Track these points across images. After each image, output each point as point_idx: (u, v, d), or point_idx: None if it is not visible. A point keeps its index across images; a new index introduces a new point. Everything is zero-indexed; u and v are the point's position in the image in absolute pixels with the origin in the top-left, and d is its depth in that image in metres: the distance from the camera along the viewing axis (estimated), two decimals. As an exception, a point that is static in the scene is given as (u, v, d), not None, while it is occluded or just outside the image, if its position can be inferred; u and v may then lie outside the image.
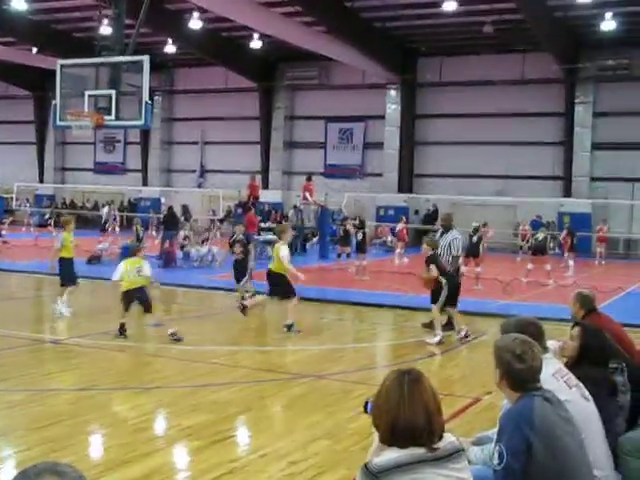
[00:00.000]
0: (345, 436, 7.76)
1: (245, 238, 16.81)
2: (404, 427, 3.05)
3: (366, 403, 3.49)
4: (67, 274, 14.58)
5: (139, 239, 24.20)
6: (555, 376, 4.35)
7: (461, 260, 14.52)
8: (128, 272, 12.49)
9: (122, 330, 12.31)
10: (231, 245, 16.62)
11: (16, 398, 8.93)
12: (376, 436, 3.31)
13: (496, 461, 3.52)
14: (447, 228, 14.52)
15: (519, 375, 3.79)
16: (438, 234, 14.70)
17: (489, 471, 3.81)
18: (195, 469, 6.78)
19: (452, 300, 13.43)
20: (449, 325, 13.77)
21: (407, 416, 3.05)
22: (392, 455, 3.07)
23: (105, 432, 7.98)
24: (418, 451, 3.04)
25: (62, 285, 14.57)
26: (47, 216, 40.82)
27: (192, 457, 7.17)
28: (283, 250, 13.42)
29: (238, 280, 16.16)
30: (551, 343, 5.01)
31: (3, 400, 8.91)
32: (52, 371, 10.39)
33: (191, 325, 14.05)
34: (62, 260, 14.55)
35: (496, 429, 3.95)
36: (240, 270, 16.14)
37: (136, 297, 12.43)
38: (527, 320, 4.80)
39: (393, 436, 3.07)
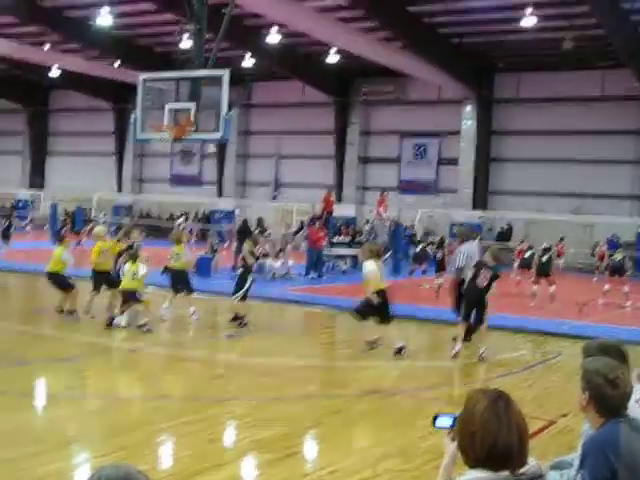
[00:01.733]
0: (417, 454, 7.68)
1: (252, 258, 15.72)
2: (502, 452, 2.99)
3: (435, 418, 3.43)
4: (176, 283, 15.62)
5: (214, 251, 24.46)
6: (639, 402, 4.24)
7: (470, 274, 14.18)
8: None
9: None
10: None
11: (94, 404, 9.11)
12: (448, 454, 3.26)
13: (579, 487, 3.43)
14: (466, 238, 14.90)
15: (610, 401, 3.69)
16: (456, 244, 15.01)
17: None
18: (266, 482, 6.79)
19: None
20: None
21: (505, 441, 2.98)
22: (477, 475, 3.02)
23: (178, 442, 8.06)
24: (503, 474, 2.99)
25: (176, 292, 15.54)
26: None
27: (263, 470, 7.19)
28: (365, 267, 13.24)
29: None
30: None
31: (81, 406, 9.10)
32: (128, 379, 10.54)
33: (263, 338, 14.12)
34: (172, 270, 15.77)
35: (575, 454, 3.86)
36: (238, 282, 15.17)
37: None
38: (611, 344, 4.67)
39: (488, 460, 3.01)
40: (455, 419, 3.24)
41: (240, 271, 15.56)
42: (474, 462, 3.05)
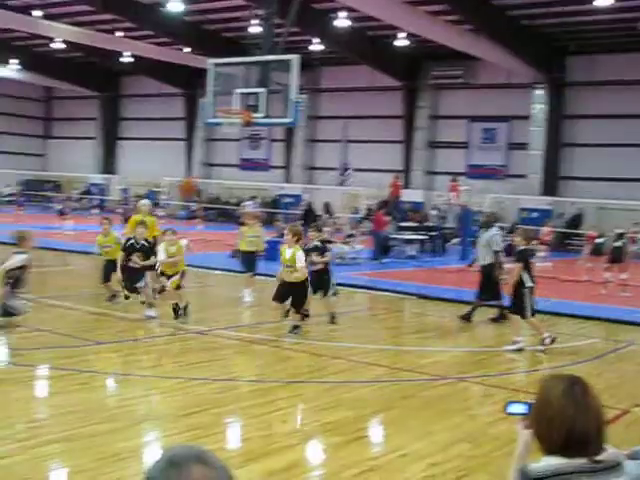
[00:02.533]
0: (486, 440, 7.65)
1: (322, 245, 14.08)
2: (579, 437, 2.97)
3: (507, 404, 3.40)
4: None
5: (281, 235, 24.58)
6: None
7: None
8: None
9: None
10: (307, 254, 13.12)
11: (165, 385, 9.29)
12: (521, 440, 3.24)
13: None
14: (488, 225, 14.80)
15: None
16: (480, 232, 14.84)
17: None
18: (335, 465, 6.84)
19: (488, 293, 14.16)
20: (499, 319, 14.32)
21: (582, 427, 2.97)
22: (552, 462, 3.00)
23: (246, 423, 8.17)
24: (579, 461, 2.96)
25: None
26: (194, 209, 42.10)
27: (332, 453, 7.24)
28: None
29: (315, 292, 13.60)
30: None
31: (154, 386, 9.29)
32: (198, 361, 10.71)
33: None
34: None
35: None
36: (317, 284, 13.49)
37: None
38: None
39: (565, 446, 2.99)
40: (530, 406, 3.22)
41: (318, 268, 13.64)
42: (550, 449, 3.03)
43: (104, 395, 9.07)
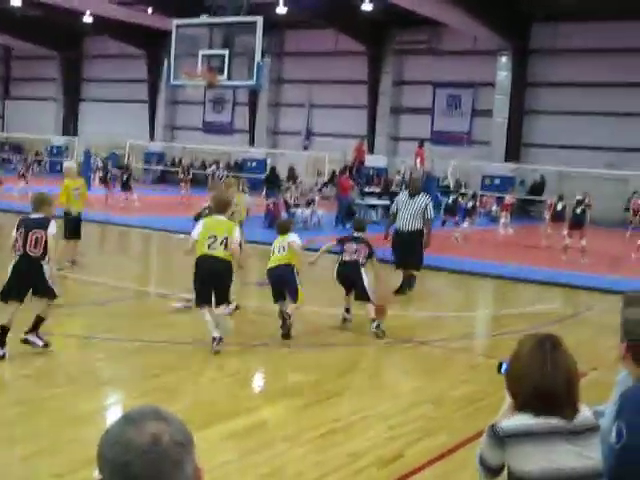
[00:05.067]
0: (448, 403, 7.75)
1: None
2: (545, 393, 3.00)
3: (500, 364, 3.41)
4: None
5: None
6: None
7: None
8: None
9: None
10: None
11: (128, 347, 9.26)
12: (507, 400, 3.25)
13: (614, 439, 3.43)
14: (416, 192, 14.20)
15: None
16: (405, 197, 14.23)
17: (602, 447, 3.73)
18: (298, 426, 6.88)
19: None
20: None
21: (549, 382, 3.00)
22: (524, 421, 3.02)
23: (209, 386, 8.19)
24: (553, 421, 2.99)
25: None
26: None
27: (295, 414, 7.28)
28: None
29: None
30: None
31: (116, 349, 9.25)
32: (161, 323, 10.67)
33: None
34: None
35: (608, 404, 3.86)
36: None
37: None
38: None
39: (532, 402, 3.02)
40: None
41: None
42: (521, 405, 3.06)
43: (66, 358, 9.00)
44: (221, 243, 9.11)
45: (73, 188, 14.15)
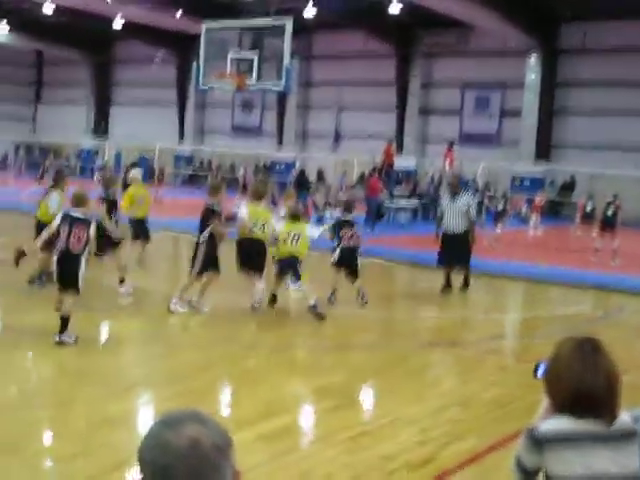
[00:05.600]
0: (478, 405, 7.71)
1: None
2: (585, 395, 2.94)
3: (536, 367, 3.32)
4: None
5: (274, 202, 24.53)
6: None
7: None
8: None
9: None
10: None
11: (157, 350, 9.31)
12: (545, 403, 3.18)
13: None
14: (457, 191, 14.51)
15: None
16: (447, 199, 14.55)
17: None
18: (328, 428, 6.89)
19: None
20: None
21: (589, 384, 2.94)
22: (562, 424, 2.97)
23: (239, 388, 8.21)
24: (591, 425, 2.94)
25: None
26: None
27: (323, 417, 7.29)
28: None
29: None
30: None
31: (146, 351, 9.31)
32: (189, 325, 10.72)
33: (322, 287, 14.16)
34: None
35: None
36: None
37: None
38: None
39: (571, 404, 2.97)
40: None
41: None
42: (559, 407, 3.01)
43: (96, 360, 9.08)
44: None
45: (138, 196, 14.27)
